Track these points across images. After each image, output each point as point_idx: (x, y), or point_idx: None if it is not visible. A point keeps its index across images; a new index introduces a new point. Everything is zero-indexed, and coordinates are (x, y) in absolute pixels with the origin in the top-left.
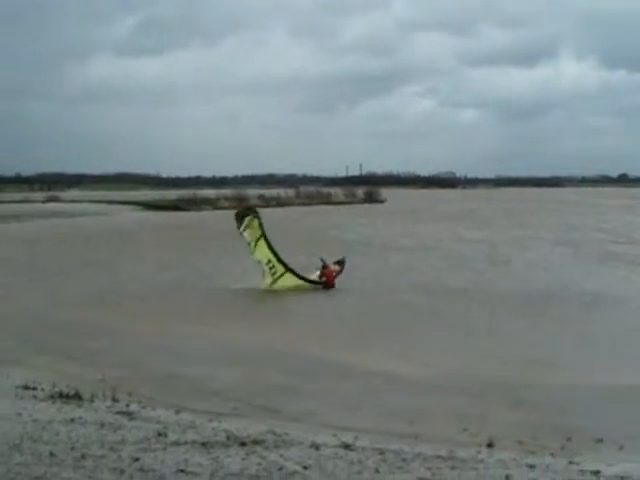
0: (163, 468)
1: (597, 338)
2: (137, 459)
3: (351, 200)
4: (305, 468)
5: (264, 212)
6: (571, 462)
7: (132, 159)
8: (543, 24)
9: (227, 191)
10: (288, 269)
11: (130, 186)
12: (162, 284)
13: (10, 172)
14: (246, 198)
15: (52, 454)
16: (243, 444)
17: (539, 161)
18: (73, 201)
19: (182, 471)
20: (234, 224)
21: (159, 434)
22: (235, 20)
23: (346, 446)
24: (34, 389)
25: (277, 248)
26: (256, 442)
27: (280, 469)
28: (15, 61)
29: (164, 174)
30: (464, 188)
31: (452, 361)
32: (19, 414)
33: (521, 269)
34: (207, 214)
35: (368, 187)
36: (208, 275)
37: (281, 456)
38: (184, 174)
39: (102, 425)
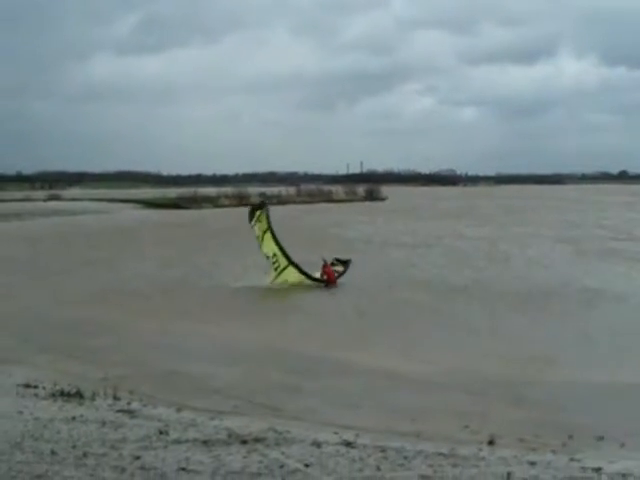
0: (164, 466)
1: (597, 335)
2: (138, 457)
3: (352, 198)
4: (307, 466)
5: None
6: (572, 459)
7: (133, 157)
8: (543, 22)
9: (228, 189)
10: (292, 263)
11: (131, 184)
12: (163, 282)
13: (11, 171)
14: (247, 196)
15: (53, 452)
16: (244, 442)
17: (539, 158)
18: (74, 199)
19: (183, 469)
20: (234, 222)
21: (160, 432)
22: (236, 18)
23: (347, 444)
24: (35, 387)
25: None
26: (257, 440)
27: (281, 467)
28: (16, 60)
29: (165, 172)
30: (465, 186)
31: (453, 359)
32: (20, 412)
33: (522, 266)
34: (208, 212)
35: (369, 185)
36: (209, 273)
37: (282, 454)
38: (185, 172)
39: (103, 423)
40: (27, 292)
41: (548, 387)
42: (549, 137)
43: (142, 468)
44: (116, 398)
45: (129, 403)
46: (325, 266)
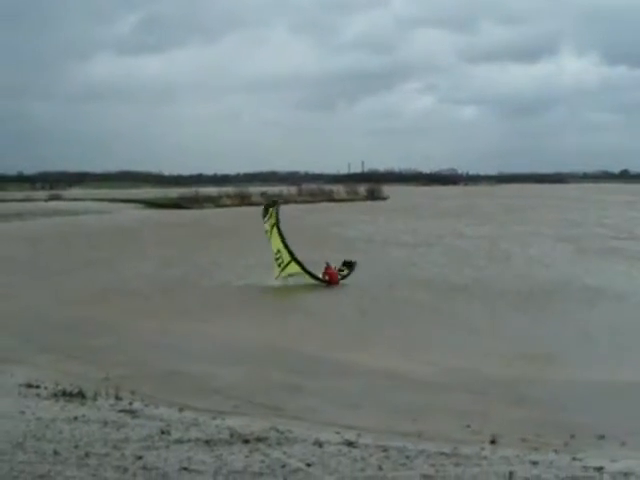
0: (166, 466)
1: (598, 334)
2: (140, 457)
3: (353, 197)
4: (308, 465)
5: None
6: (574, 458)
7: (134, 157)
8: (544, 20)
9: (229, 189)
10: (294, 259)
11: (132, 184)
12: (164, 282)
13: (12, 171)
14: (248, 196)
15: (56, 452)
16: (246, 441)
17: (541, 157)
18: (75, 199)
19: (185, 469)
20: (236, 222)
21: (162, 432)
22: (236, 18)
23: (349, 443)
24: (37, 387)
25: None
26: (259, 439)
27: (283, 466)
28: (17, 60)
29: (166, 172)
30: (466, 185)
31: (454, 358)
32: (22, 412)
33: (522, 265)
34: (209, 212)
35: (370, 184)
36: (210, 273)
37: (284, 453)
38: (186, 172)
39: (105, 423)
40: (28, 292)
41: (549, 386)
42: (550, 136)
43: (144, 468)
44: (118, 398)
45: (131, 403)
46: (327, 268)
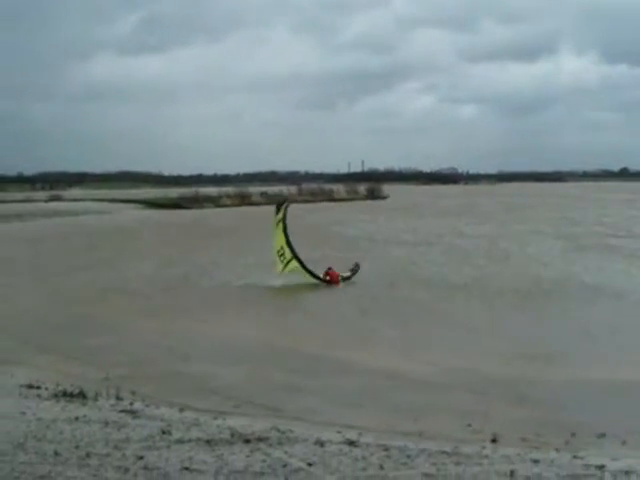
0: (167, 466)
1: (598, 333)
2: (141, 457)
3: (353, 197)
4: (310, 465)
5: (267, 209)
6: (575, 457)
7: (134, 157)
8: (543, 19)
9: (229, 189)
10: (296, 257)
11: (132, 184)
12: (164, 282)
13: (12, 171)
14: (248, 196)
15: (56, 453)
16: (247, 441)
17: (540, 156)
18: (75, 200)
19: (186, 469)
20: (236, 222)
21: (163, 432)
22: (237, 18)
23: (350, 443)
24: (38, 388)
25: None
26: (260, 439)
27: (284, 466)
28: (17, 60)
29: (166, 172)
30: (466, 184)
31: (454, 357)
32: (23, 413)
33: (522, 264)
34: (209, 212)
35: (370, 183)
36: (210, 272)
37: (285, 453)
38: (186, 172)
39: (106, 423)
40: (28, 293)
41: (549, 385)
42: (550, 134)
43: (145, 468)
44: (119, 398)
45: (132, 403)
46: (329, 269)
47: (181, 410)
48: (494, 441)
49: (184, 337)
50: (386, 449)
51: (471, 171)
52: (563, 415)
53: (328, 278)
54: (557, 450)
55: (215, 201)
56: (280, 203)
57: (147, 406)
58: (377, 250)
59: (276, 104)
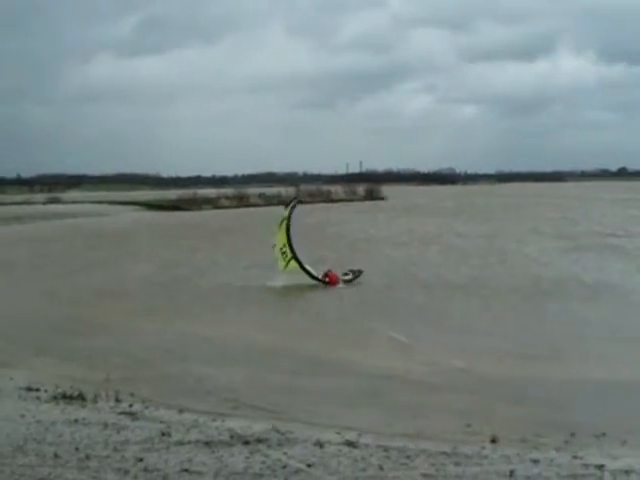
0: (167, 468)
1: (596, 332)
2: (141, 459)
3: (352, 197)
4: (309, 466)
5: (265, 210)
6: (575, 457)
7: (132, 159)
8: (541, 19)
9: (227, 190)
10: (295, 257)
11: (130, 186)
12: (163, 283)
13: (11, 174)
14: (246, 197)
15: (56, 455)
16: (247, 443)
17: (539, 156)
18: (74, 202)
19: (186, 470)
20: (234, 223)
21: (162, 434)
22: (234, 19)
23: (350, 444)
24: (37, 390)
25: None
26: (260, 441)
27: (284, 467)
28: (15, 62)
29: (164, 174)
30: (465, 184)
31: (453, 358)
32: (22, 415)
33: (520, 263)
34: (208, 213)
35: (369, 184)
36: (209, 273)
37: (285, 454)
38: (184, 174)
39: (106, 425)
40: (27, 295)
41: (549, 385)
42: (548, 134)
43: (145, 470)
44: (118, 400)
45: (131, 405)
46: (329, 271)
47: (180, 412)
48: (494, 441)
49: (183, 338)
50: (385, 450)
51: (469, 171)
52: (563, 415)
53: (327, 280)
54: (557, 450)
55: (213, 203)
56: (290, 201)
57: (146, 408)
58: (376, 250)
59: (274, 105)
